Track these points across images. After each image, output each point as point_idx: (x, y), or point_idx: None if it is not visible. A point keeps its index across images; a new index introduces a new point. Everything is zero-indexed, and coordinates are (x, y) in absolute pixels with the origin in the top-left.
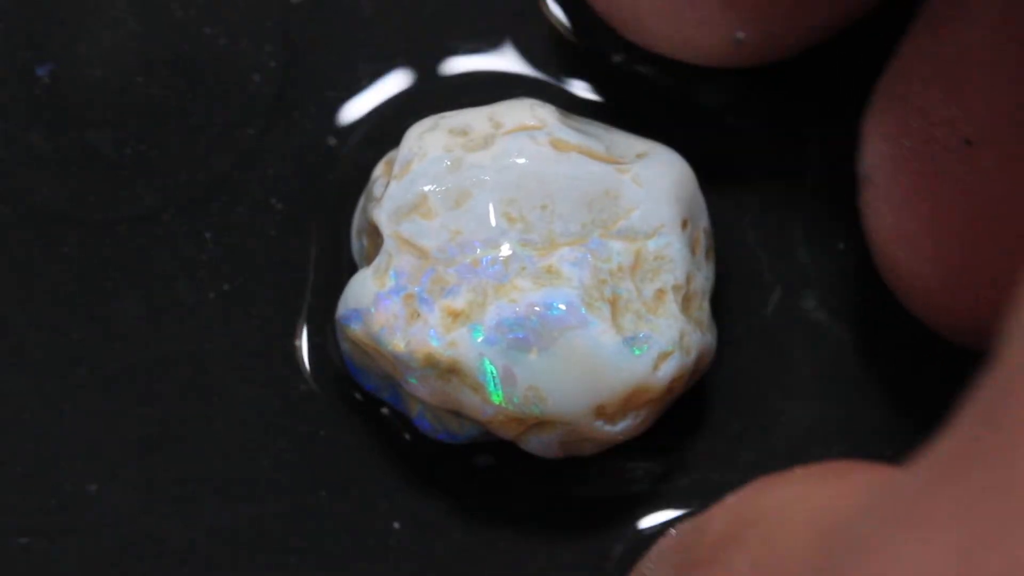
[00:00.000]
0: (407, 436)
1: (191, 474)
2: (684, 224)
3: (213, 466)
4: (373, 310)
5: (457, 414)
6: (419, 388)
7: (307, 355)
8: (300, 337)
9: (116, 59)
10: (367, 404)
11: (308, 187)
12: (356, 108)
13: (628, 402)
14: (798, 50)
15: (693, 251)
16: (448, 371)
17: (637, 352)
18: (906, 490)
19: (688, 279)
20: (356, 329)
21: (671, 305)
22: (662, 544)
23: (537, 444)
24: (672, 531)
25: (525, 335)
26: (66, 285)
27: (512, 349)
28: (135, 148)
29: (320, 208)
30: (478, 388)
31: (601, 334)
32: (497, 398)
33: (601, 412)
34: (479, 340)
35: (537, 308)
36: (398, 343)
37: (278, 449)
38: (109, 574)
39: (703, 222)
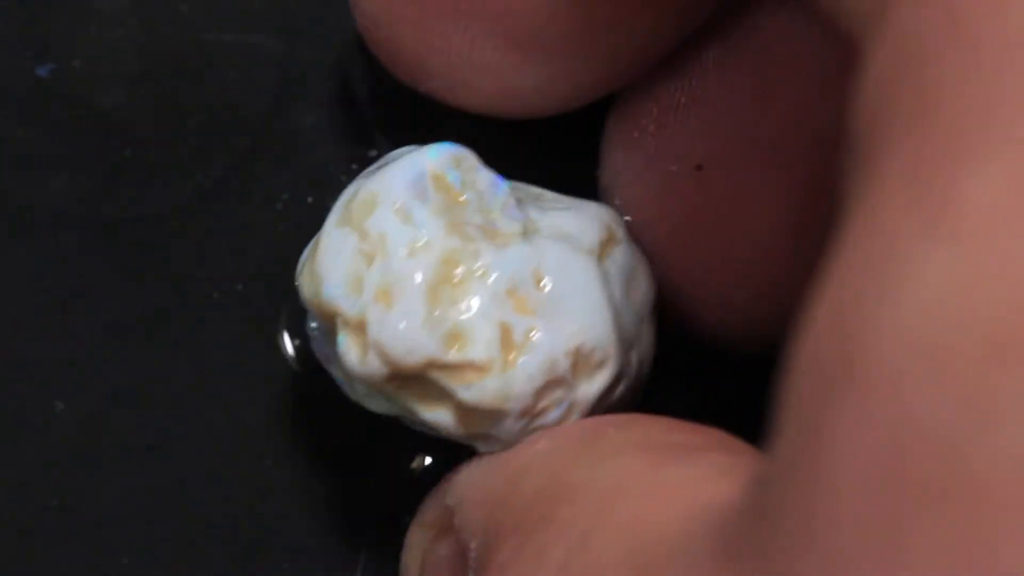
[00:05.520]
0: (406, 436)
1: (191, 474)
2: None
3: (213, 466)
4: None
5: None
6: None
7: (308, 355)
8: (300, 337)
9: (116, 59)
10: None
11: (308, 186)
12: (356, 108)
13: None
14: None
15: None
16: None
17: None
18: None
19: None
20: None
21: None
22: (473, 474)
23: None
24: (480, 460)
25: None
26: (66, 285)
27: None
28: (135, 149)
29: (320, 207)
30: None
31: None
32: None
33: None
34: None
35: None
36: None
37: (278, 449)
38: (109, 572)
39: None
